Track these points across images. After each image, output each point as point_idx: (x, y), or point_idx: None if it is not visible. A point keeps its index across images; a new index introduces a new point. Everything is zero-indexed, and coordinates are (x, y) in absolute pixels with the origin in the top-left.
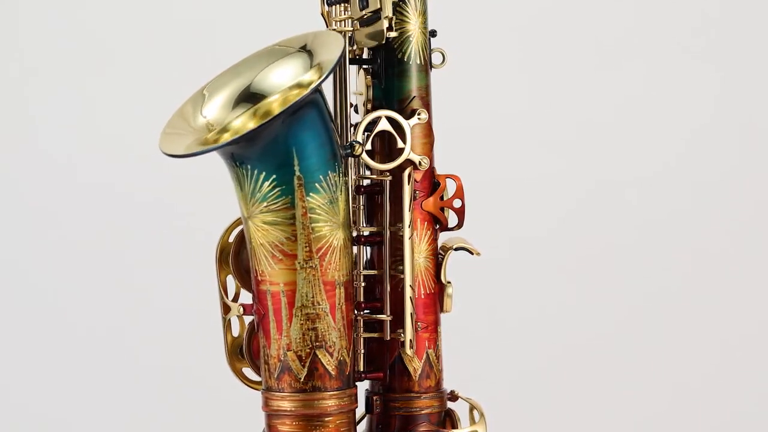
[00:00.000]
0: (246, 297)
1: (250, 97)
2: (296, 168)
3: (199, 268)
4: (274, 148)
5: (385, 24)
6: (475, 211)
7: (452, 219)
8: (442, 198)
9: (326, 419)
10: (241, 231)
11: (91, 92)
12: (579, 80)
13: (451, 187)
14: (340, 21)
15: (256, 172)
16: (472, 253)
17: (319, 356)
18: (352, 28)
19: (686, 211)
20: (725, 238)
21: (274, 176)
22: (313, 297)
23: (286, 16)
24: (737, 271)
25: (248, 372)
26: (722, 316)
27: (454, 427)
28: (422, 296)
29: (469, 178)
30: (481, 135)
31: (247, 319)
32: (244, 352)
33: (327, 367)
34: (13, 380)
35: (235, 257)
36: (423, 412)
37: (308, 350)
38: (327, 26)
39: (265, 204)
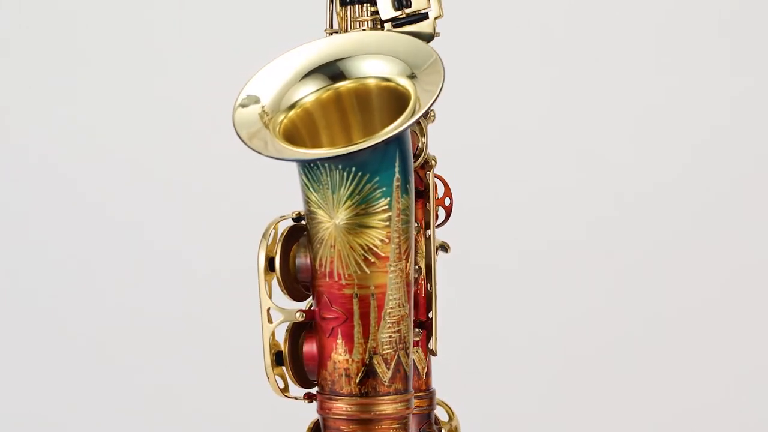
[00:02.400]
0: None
1: (329, 74)
2: (396, 170)
3: (186, 272)
4: (382, 151)
5: (433, 25)
6: (487, 221)
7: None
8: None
9: (404, 421)
10: (286, 235)
11: (74, 92)
12: (594, 89)
13: (439, 186)
14: (361, 21)
15: (360, 174)
16: (447, 251)
17: (401, 358)
18: (378, 28)
19: (705, 223)
20: (747, 247)
21: (378, 178)
22: (399, 299)
23: (288, 16)
24: (759, 283)
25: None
26: (748, 331)
27: (437, 424)
28: (423, 295)
29: (480, 188)
30: (493, 143)
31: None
32: (287, 358)
33: (406, 368)
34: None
35: (283, 262)
36: (430, 410)
37: (393, 353)
38: (340, 27)
39: (363, 206)
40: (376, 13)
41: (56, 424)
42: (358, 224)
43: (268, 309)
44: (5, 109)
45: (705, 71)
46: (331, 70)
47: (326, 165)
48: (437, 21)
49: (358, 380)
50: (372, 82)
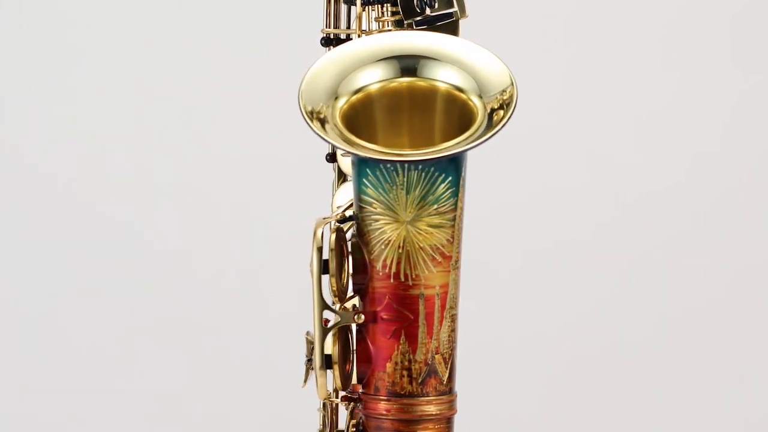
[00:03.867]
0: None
1: (402, 66)
2: (463, 169)
3: (186, 273)
4: None
5: (458, 27)
6: (491, 221)
7: None
8: None
9: (453, 420)
10: (336, 236)
11: (73, 92)
12: (601, 88)
13: None
14: (383, 22)
15: (436, 174)
16: None
17: (455, 356)
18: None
19: (711, 222)
20: (753, 246)
21: (450, 179)
22: (456, 297)
23: (288, 17)
24: (765, 283)
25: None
26: (753, 331)
27: None
28: None
29: (484, 187)
30: (497, 142)
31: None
32: (337, 360)
33: (456, 366)
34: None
35: (337, 265)
36: None
37: (450, 351)
38: (358, 29)
39: (435, 206)
40: (398, 13)
41: (56, 424)
42: (429, 224)
43: (322, 312)
44: (4, 109)
45: (714, 68)
46: (406, 64)
47: (405, 165)
48: (461, 22)
49: (420, 380)
50: (443, 86)
